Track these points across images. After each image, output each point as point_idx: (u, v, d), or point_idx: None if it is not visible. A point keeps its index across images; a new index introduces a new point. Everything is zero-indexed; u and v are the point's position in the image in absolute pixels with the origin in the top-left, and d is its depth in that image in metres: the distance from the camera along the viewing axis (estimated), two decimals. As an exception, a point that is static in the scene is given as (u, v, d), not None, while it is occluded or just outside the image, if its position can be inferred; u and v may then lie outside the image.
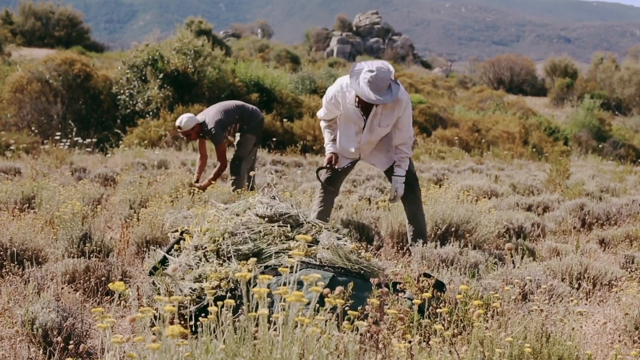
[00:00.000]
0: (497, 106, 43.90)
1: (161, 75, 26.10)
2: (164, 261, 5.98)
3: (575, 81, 58.63)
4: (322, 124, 8.46)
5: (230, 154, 11.85)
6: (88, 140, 21.90)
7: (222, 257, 5.62)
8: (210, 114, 11.43)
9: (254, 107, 11.88)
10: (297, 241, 5.66)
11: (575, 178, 17.44)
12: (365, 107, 7.88)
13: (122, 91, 26.69)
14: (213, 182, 11.30)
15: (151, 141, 22.79)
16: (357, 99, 7.84)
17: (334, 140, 8.39)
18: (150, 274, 5.90)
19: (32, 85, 26.07)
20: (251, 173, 9.85)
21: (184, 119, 11.25)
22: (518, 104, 46.87)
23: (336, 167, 8.39)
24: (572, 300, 5.13)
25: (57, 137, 21.49)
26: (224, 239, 5.78)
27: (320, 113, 8.43)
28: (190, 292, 5.33)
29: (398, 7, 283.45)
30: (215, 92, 26.17)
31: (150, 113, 25.58)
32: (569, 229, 10.56)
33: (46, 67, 26.72)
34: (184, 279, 5.51)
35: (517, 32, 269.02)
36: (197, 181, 11.58)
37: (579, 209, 11.53)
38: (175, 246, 6.15)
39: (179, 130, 11.42)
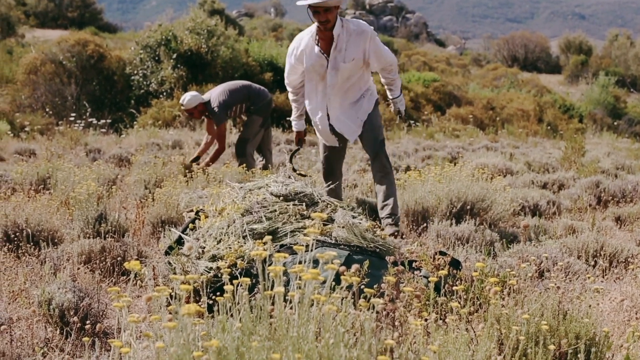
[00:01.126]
0: (511, 84, 43.73)
1: (174, 56, 26.07)
2: (179, 241, 5.99)
3: (590, 58, 58.25)
4: (290, 95, 8.44)
5: (235, 136, 11.80)
6: (102, 121, 21.93)
7: (237, 236, 5.62)
8: (215, 94, 11.39)
9: (262, 88, 11.78)
10: (312, 220, 5.66)
11: (590, 156, 17.39)
12: (324, 41, 7.82)
13: (135, 72, 26.67)
14: (211, 163, 11.27)
15: (165, 121, 22.79)
16: (316, 38, 7.84)
17: (300, 116, 8.48)
18: (166, 253, 5.91)
19: (46, 67, 26.08)
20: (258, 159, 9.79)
21: (187, 98, 11.24)
22: (532, 82, 46.67)
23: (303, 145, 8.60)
24: (588, 278, 5.11)
25: (72, 118, 21.52)
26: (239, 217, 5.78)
27: (285, 79, 8.40)
28: (206, 271, 5.34)
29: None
30: (228, 71, 26.12)
31: (164, 93, 25.57)
32: (584, 207, 10.53)
33: (60, 48, 26.72)
34: (200, 258, 5.52)
35: (531, 9, 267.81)
36: (196, 159, 11.54)
37: (595, 187, 11.49)
38: (191, 225, 6.16)
39: (182, 107, 11.43)
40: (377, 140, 8.10)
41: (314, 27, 7.85)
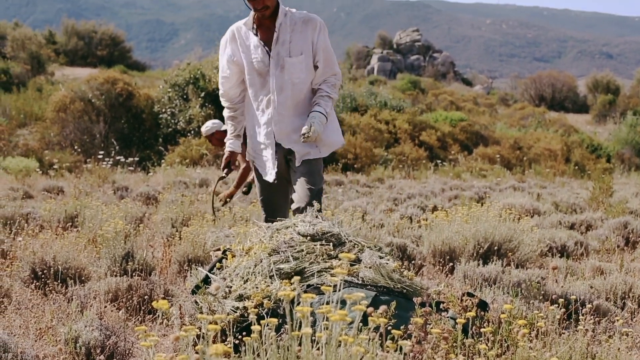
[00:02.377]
0: (538, 123, 43.70)
1: (203, 94, 26.26)
2: (206, 280, 5.99)
3: (618, 97, 58.14)
4: (227, 111, 6.61)
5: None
6: (130, 159, 22.07)
7: (264, 276, 5.62)
8: None
9: None
10: (339, 260, 5.64)
11: (618, 196, 17.27)
12: (264, 31, 6.31)
13: (163, 110, 26.89)
14: (236, 189, 11.00)
15: (193, 160, 22.94)
16: (254, 26, 6.29)
17: (237, 136, 6.64)
18: (193, 292, 5.90)
19: (75, 105, 26.35)
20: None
21: (206, 124, 11.23)
22: (560, 121, 46.60)
23: (234, 169, 6.82)
24: (617, 320, 5.07)
25: (100, 156, 21.67)
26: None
27: (220, 89, 6.64)
28: (233, 311, 5.33)
29: (438, 24, 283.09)
30: (256, 110, 26.25)
31: (192, 132, 25.74)
32: (612, 248, 10.45)
33: (89, 86, 27.02)
34: (226, 297, 5.51)
35: (559, 48, 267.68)
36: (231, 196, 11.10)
37: (623, 227, 11.40)
38: (218, 265, 6.16)
39: (202, 134, 11.47)
40: (313, 191, 6.46)
41: (250, 15, 6.29)
